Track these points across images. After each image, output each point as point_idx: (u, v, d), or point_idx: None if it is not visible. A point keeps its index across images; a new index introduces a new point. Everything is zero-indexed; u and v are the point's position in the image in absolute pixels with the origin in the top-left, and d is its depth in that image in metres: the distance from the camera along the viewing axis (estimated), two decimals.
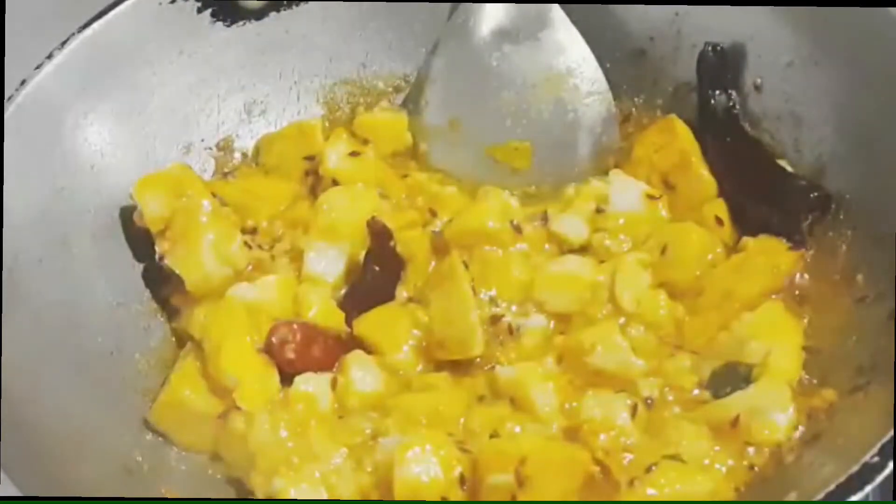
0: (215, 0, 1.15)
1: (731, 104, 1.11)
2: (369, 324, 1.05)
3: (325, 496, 0.93)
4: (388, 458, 0.93)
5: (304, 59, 1.20)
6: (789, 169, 1.08)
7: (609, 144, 1.16)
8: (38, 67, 1.07)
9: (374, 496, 0.94)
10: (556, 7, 1.13)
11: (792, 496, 0.85)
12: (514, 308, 1.05)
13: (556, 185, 1.14)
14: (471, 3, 1.15)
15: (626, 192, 1.10)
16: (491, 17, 1.14)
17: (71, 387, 1.00)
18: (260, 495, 0.95)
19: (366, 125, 1.19)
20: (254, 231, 1.11)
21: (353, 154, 1.15)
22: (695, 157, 1.10)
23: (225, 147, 1.19)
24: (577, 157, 1.15)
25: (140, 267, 1.10)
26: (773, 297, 1.01)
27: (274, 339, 1.01)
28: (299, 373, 1.01)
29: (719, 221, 1.07)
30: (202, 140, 1.18)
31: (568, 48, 1.14)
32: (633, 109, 1.18)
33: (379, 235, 1.06)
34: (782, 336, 0.97)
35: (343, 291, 1.08)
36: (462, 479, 0.91)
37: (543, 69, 1.14)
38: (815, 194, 1.04)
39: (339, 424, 0.98)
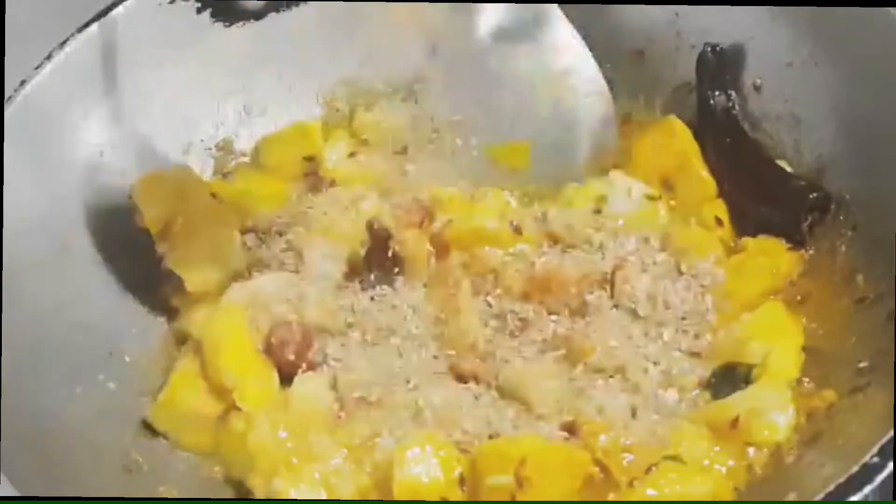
0: (215, 0, 1.15)
1: (730, 105, 1.11)
2: None
3: (324, 497, 0.93)
4: (387, 458, 0.93)
5: (303, 59, 1.20)
6: (789, 169, 1.08)
7: (608, 144, 1.15)
8: (37, 68, 1.07)
9: (374, 497, 0.94)
10: (554, 7, 1.13)
11: (792, 497, 0.85)
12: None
13: (556, 185, 1.14)
14: (470, 3, 1.15)
15: (625, 192, 1.11)
16: (490, 17, 1.14)
17: (71, 387, 1.00)
18: (259, 496, 0.95)
19: (366, 125, 1.19)
20: (253, 231, 1.11)
21: (353, 154, 1.16)
22: (694, 158, 1.10)
23: (224, 147, 1.19)
24: (576, 158, 1.15)
25: (139, 267, 1.10)
26: (773, 297, 1.01)
27: (273, 340, 1.01)
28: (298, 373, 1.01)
29: (719, 222, 1.07)
30: (202, 140, 1.18)
31: (567, 48, 1.14)
32: (633, 110, 1.18)
33: (378, 236, 1.06)
34: (782, 337, 0.97)
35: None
36: (462, 480, 0.91)
37: (542, 69, 1.14)
38: (815, 195, 1.04)
39: (338, 425, 0.98)
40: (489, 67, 1.15)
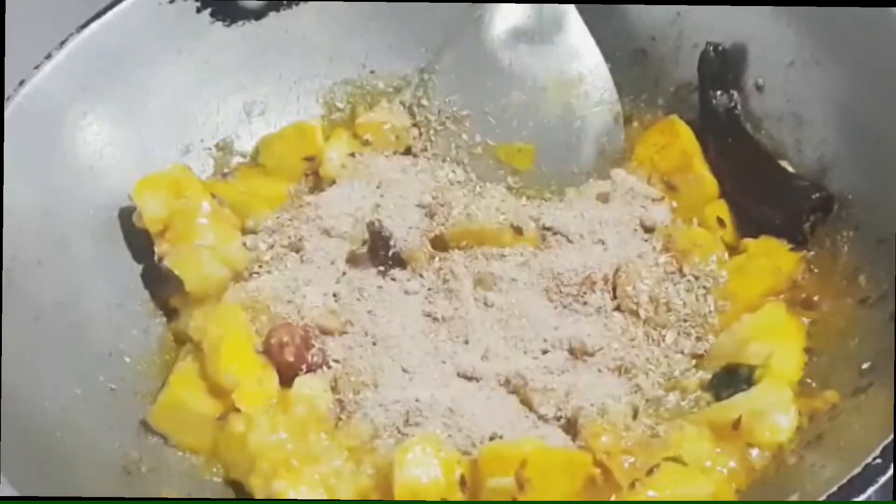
0: (215, 0, 1.15)
1: (732, 104, 1.11)
2: None
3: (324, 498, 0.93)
4: (387, 459, 0.92)
5: (303, 59, 1.20)
6: (791, 169, 1.08)
7: (612, 152, 1.15)
8: (36, 67, 1.07)
9: (375, 498, 0.93)
10: (573, 11, 1.13)
11: (794, 498, 0.84)
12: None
13: (557, 186, 1.14)
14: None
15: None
16: (508, 16, 1.14)
17: (70, 387, 1.00)
18: (259, 497, 0.94)
19: (366, 125, 1.19)
20: (253, 232, 1.11)
21: (353, 154, 1.15)
22: (696, 158, 1.10)
23: (224, 147, 1.19)
24: (580, 163, 1.15)
25: (139, 268, 1.10)
26: (775, 298, 1.01)
27: (273, 341, 1.01)
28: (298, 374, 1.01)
29: (721, 222, 1.07)
30: (201, 140, 1.18)
31: (582, 55, 1.14)
32: (635, 110, 1.18)
33: (379, 236, 1.06)
34: (784, 337, 0.97)
35: None
36: (462, 482, 0.91)
37: (555, 73, 1.14)
38: (817, 195, 1.04)
39: (338, 426, 0.98)
40: (501, 65, 1.15)
